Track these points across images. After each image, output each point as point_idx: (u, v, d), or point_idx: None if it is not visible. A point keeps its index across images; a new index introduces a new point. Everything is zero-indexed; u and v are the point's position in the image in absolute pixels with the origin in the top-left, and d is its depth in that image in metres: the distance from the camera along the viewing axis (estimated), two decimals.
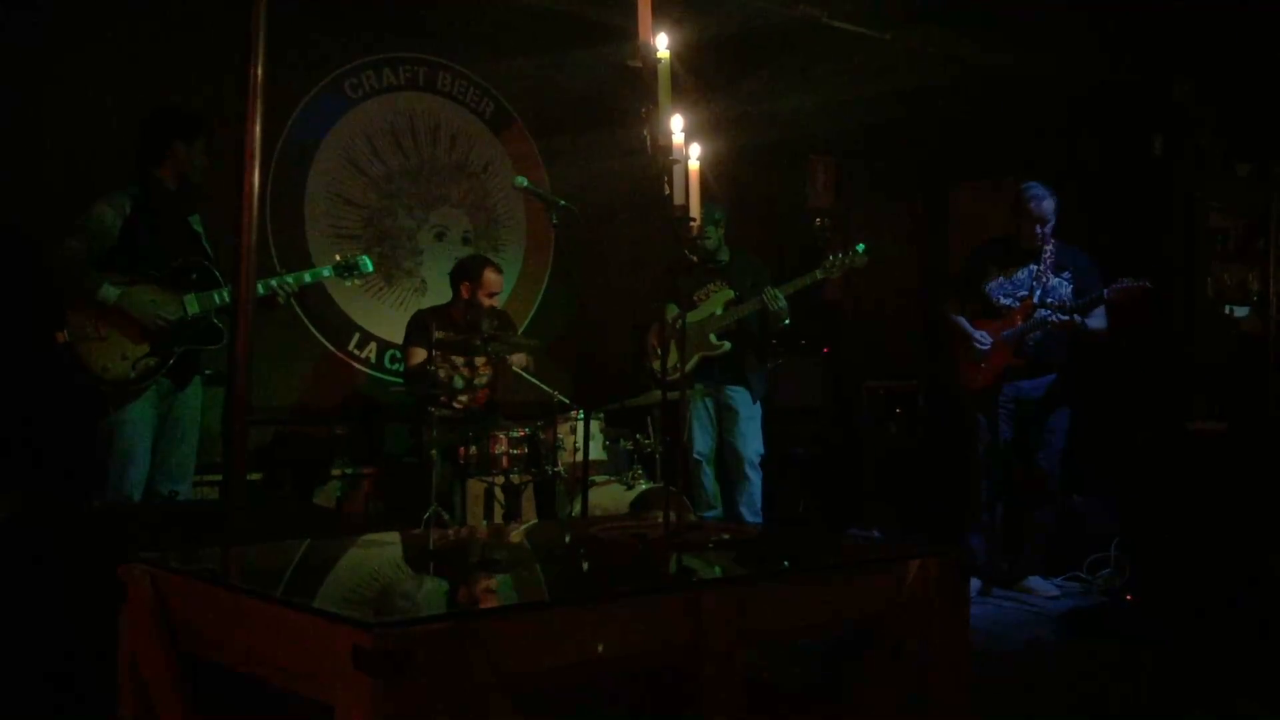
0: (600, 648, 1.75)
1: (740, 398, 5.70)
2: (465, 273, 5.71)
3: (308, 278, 4.74)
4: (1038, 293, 5.29)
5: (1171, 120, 6.46)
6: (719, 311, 5.67)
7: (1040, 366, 5.30)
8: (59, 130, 5.20)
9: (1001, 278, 5.39)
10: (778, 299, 5.47)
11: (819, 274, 5.51)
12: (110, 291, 4.20)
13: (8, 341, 4.85)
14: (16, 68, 5.15)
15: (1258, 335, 6.43)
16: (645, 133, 2.40)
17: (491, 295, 5.69)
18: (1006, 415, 5.34)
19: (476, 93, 6.94)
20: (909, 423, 7.12)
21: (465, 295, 5.66)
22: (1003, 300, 5.37)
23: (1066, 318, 5.15)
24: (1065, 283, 5.30)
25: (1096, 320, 5.23)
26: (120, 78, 5.34)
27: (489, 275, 5.68)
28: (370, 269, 4.88)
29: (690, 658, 1.81)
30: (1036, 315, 5.23)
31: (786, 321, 5.58)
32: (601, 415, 5.89)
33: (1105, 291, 5.12)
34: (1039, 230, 5.27)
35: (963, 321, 5.43)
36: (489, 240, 6.94)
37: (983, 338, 5.33)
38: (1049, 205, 5.29)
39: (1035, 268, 5.32)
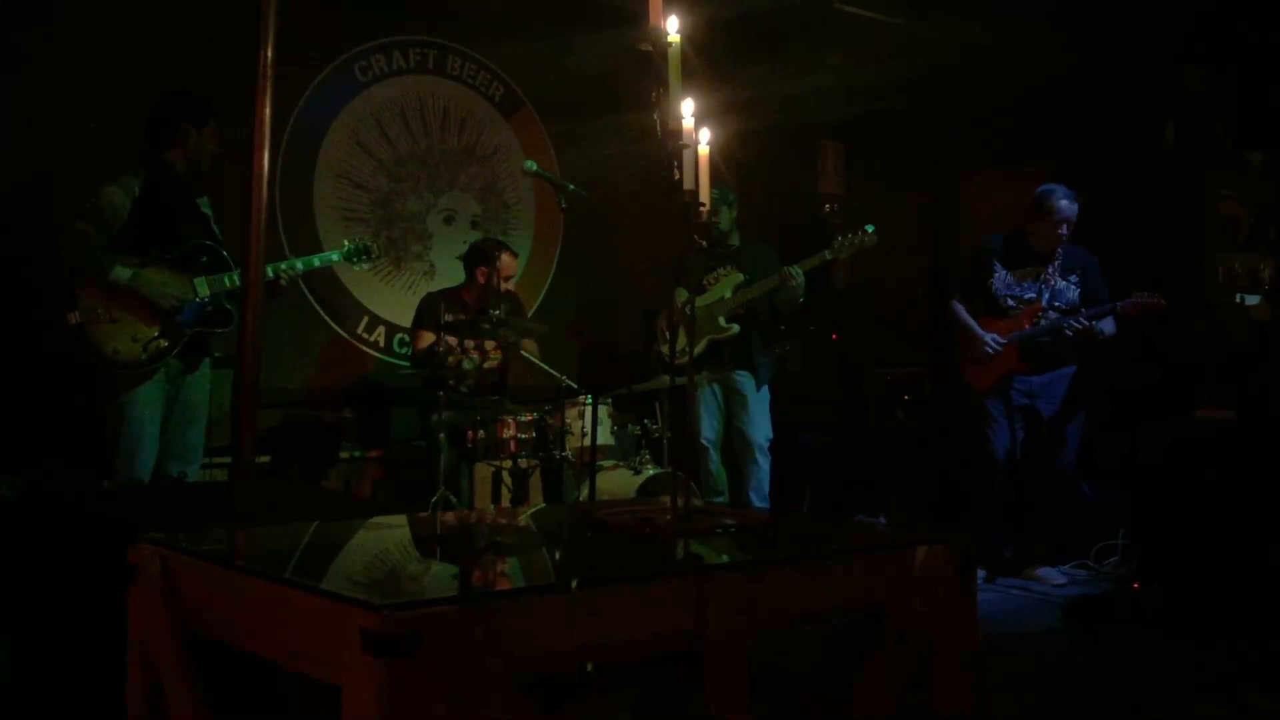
0: (607, 632, 1.75)
1: (747, 382, 5.70)
2: (481, 256, 5.71)
3: (316, 262, 4.76)
4: (1045, 296, 5.26)
5: (1183, 108, 6.42)
6: (728, 295, 5.67)
7: (1051, 361, 5.28)
8: (69, 112, 5.20)
9: (1008, 277, 5.36)
10: (797, 275, 5.45)
11: (828, 254, 5.50)
12: (123, 273, 4.20)
13: (18, 323, 4.87)
14: (28, 50, 5.15)
15: (1268, 323, 6.41)
16: (655, 117, 2.39)
17: (507, 279, 5.70)
18: (1018, 412, 5.32)
19: (486, 76, 6.93)
20: (916, 409, 7.11)
21: (481, 279, 5.67)
22: (1009, 301, 5.34)
23: (1081, 324, 5.12)
24: (1073, 286, 5.28)
25: (1108, 325, 5.20)
26: (131, 60, 5.34)
27: (505, 259, 5.69)
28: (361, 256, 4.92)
29: (697, 642, 1.82)
30: (1049, 319, 5.19)
31: (801, 300, 5.57)
32: (609, 400, 5.89)
33: (1118, 305, 5.08)
34: (1060, 233, 5.22)
35: (972, 323, 5.39)
36: (498, 224, 6.93)
37: (994, 341, 5.29)
38: (1073, 209, 5.24)
39: (1044, 270, 5.28)
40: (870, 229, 5.46)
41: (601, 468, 5.43)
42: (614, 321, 7.13)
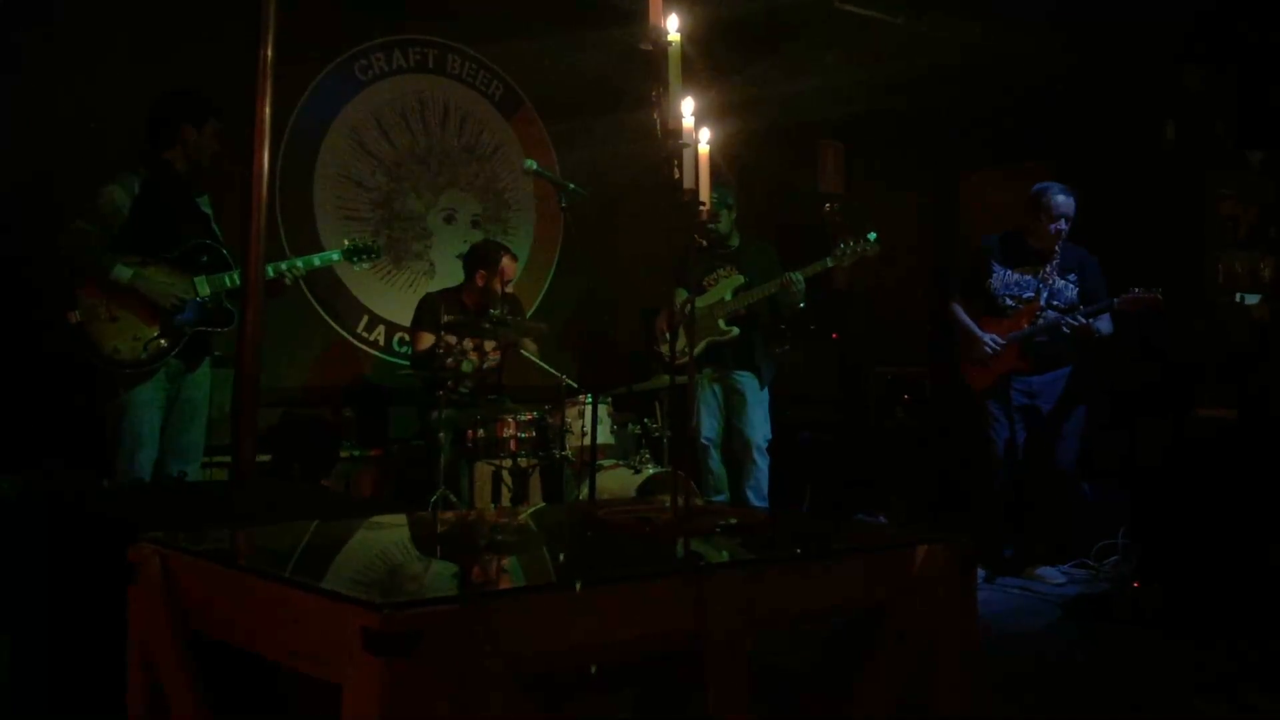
0: (607, 631, 1.75)
1: (748, 383, 5.70)
2: (481, 260, 5.70)
3: (316, 261, 4.75)
4: (1044, 295, 5.25)
5: (1183, 107, 6.42)
6: (728, 297, 5.67)
7: (1050, 361, 5.28)
8: (69, 112, 5.20)
9: (1007, 276, 5.36)
10: (799, 281, 5.45)
11: (829, 262, 5.49)
12: (123, 272, 4.20)
13: (18, 323, 4.86)
14: (27, 50, 5.15)
15: (1268, 323, 6.41)
16: (655, 116, 2.39)
17: (507, 283, 5.69)
18: (1019, 411, 5.31)
19: (486, 75, 6.93)
20: (917, 409, 7.11)
21: (480, 283, 5.66)
22: (1008, 301, 5.34)
23: (1079, 321, 5.12)
24: (1071, 285, 5.27)
25: (1105, 324, 5.20)
26: (131, 60, 5.34)
27: (506, 263, 5.68)
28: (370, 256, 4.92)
29: (697, 642, 1.82)
30: (1047, 318, 5.19)
31: (801, 304, 5.57)
32: (609, 399, 5.90)
33: (1115, 301, 5.08)
34: (1054, 228, 5.21)
35: (970, 324, 5.39)
36: (498, 223, 6.94)
37: (992, 341, 5.29)
38: (1070, 204, 5.23)
39: (1043, 269, 5.28)
40: (873, 237, 5.44)
41: (601, 467, 5.43)
42: (614, 321, 7.13)
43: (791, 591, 2.01)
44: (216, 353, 4.57)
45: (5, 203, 4.95)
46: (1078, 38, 6.29)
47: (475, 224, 6.84)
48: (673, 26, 2.38)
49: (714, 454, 5.78)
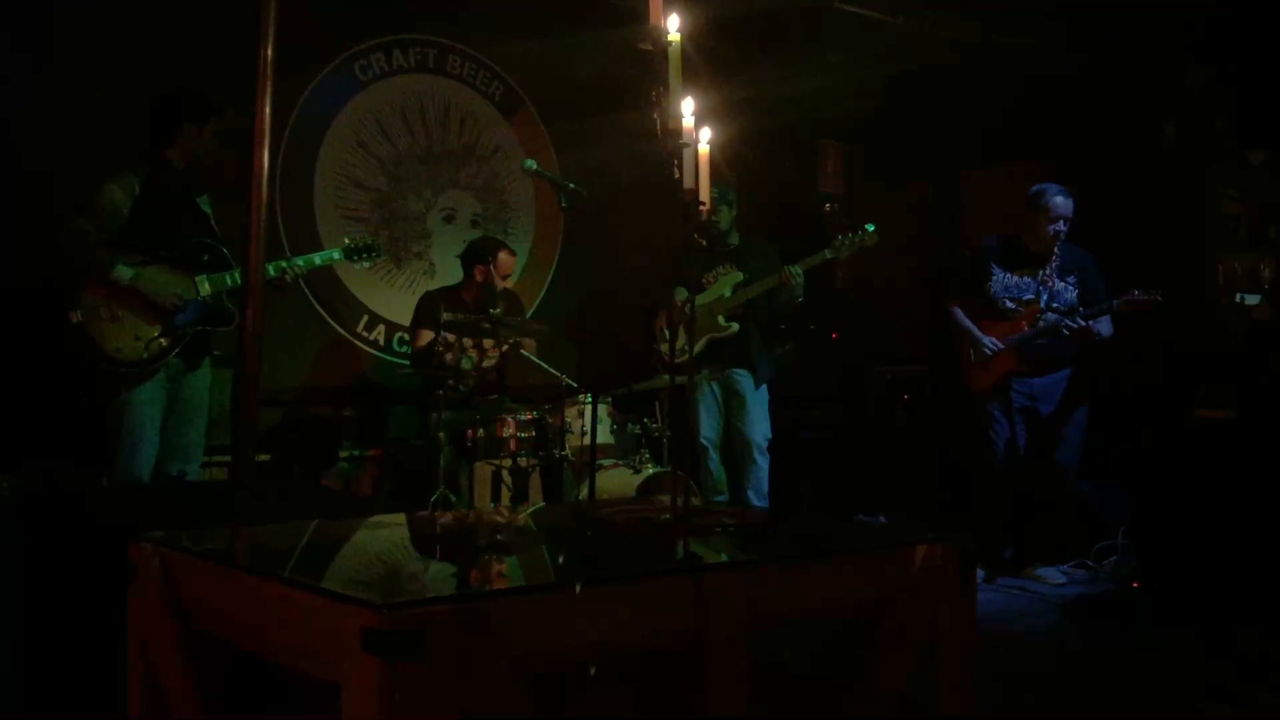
0: (607, 631, 1.75)
1: (745, 381, 5.69)
2: (479, 255, 5.72)
3: (317, 260, 4.75)
4: (1044, 297, 5.25)
5: (1184, 106, 6.42)
6: (727, 293, 5.66)
7: (1051, 362, 5.28)
8: (69, 110, 5.19)
9: (1006, 278, 5.35)
10: (797, 274, 5.45)
11: (829, 253, 5.50)
12: (124, 272, 4.20)
13: (18, 322, 4.86)
14: (25, 49, 5.14)
15: (1268, 323, 6.41)
16: (655, 116, 2.40)
17: (505, 277, 5.71)
18: (1020, 413, 5.31)
19: (486, 75, 6.92)
20: (917, 408, 7.11)
21: (479, 278, 5.68)
22: (1008, 303, 5.33)
23: (1079, 324, 5.11)
24: (1071, 287, 5.27)
25: (1105, 325, 5.20)
26: (132, 59, 5.33)
27: (503, 257, 5.70)
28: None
29: (697, 642, 1.82)
30: (1047, 320, 5.18)
31: (800, 299, 5.57)
32: (609, 399, 5.89)
33: (1114, 303, 5.08)
34: (1052, 229, 5.21)
35: (971, 326, 5.39)
36: (498, 224, 6.93)
37: (992, 343, 5.29)
38: (1068, 206, 5.23)
39: (1042, 271, 5.28)
40: (871, 228, 5.46)
41: (601, 467, 5.43)
42: (614, 321, 7.13)
43: (791, 592, 2.01)
44: (217, 352, 4.56)
45: (5, 203, 4.94)
46: (1078, 37, 6.29)
47: (475, 224, 6.84)
48: (673, 26, 2.38)
49: (713, 454, 5.77)
